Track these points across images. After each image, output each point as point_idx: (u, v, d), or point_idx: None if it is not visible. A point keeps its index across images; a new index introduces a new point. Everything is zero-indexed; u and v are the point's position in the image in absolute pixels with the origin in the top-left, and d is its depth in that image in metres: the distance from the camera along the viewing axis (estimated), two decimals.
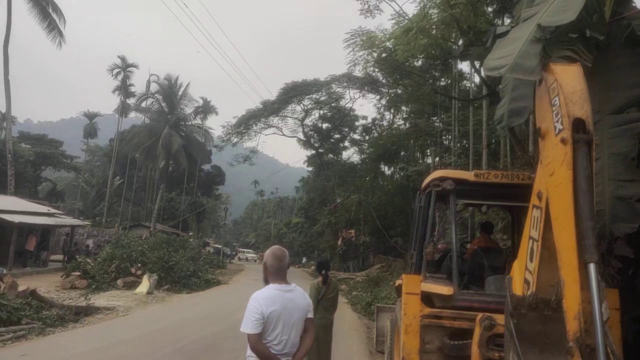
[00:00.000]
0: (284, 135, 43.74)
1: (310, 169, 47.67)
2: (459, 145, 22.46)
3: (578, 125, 2.72)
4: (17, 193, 28.51)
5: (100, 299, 13.61)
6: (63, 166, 53.14)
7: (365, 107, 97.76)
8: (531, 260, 3.29)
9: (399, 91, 26.22)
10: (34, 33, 36.09)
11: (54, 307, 10.68)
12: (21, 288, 11.20)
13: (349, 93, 38.73)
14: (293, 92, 39.08)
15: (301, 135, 43.56)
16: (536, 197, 3.28)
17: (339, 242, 33.30)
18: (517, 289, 3.42)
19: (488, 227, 5.99)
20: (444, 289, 4.52)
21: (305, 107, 41.01)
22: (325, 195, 39.79)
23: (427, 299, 4.59)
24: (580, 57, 4.55)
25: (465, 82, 23.20)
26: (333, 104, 40.31)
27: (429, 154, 29.85)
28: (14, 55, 28.50)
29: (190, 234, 39.77)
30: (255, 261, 55.40)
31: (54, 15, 29.78)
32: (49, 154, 48.26)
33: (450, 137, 24.40)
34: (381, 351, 8.42)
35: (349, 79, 35.69)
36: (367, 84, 34.41)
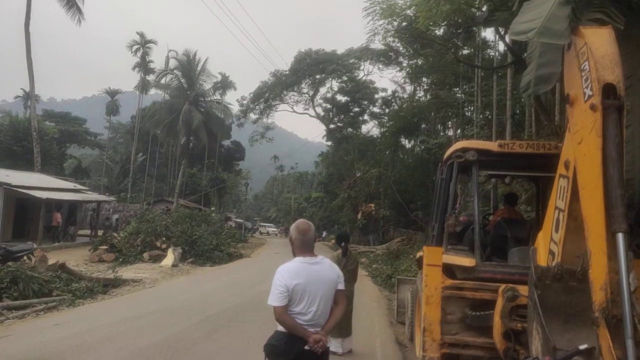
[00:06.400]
0: (294, 112, 44.13)
1: (329, 143, 47.59)
2: (481, 116, 21.95)
3: (608, 90, 2.62)
4: (44, 170, 29.26)
5: (127, 272, 14.03)
6: (87, 143, 54.32)
7: (385, 79, 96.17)
8: (557, 231, 3.23)
9: (420, 62, 25.63)
10: (54, 12, 36.44)
11: (83, 280, 11.05)
12: (51, 262, 11.62)
13: (363, 66, 38.56)
14: (305, 65, 38.89)
15: (312, 112, 43.63)
16: (563, 166, 3.20)
17: (359, 216, 33.38)
18: (542, 260, 3.38)
19: (512, 199, 5.89)
20: (466, 261, 4.49)
21: (316, 82, 40.91)
22: (345, 169, 39.76)
23: (449, 270, 4.58)
24: (611, 19, 4.34)
25: (489, 50, 22.53)
26: (347, 75, 39.94)
27: (450, 126, 29.32)
28: (36, 34, 28.81)
29: (212, 208, 40.42)
30: (277, 235, 56.15)
31: None
32: (73, 131, 49.27)
33: (472, 108, 23.85)
34: (402, 322, 8.51)
35: (365, 52, 35.39)
36: (383, 56, 34.06)
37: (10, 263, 10.62)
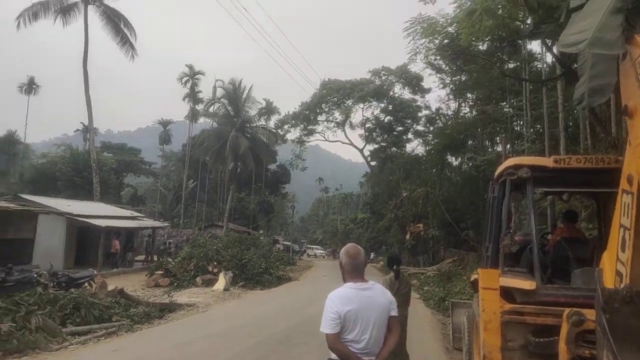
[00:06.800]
0: (326, 139, 45.25)
1: (373, 163, 47.56)
2: (532, 130, 21.22)
3: None
4: (103, 199, 30.90)
5: (181, 296, 14.39)
6: (142, 172, 57.09)
7: (429, 97, 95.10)
8: (623, 250, 3.04)
9: (463, 78, 25.26)
10: (108, 48, 39.00)
11: (141, 305, 11.40)
12: (110, 287, 12.11)
13: (392, 91, 39.41)
14: (331, 93, 40.10)
15: (344, 139, 44.26)
16: (626, 182, 3.03)
17: (407, 237, 32.75)
18: (608, 281, 3.18)
19: (571, 216, 5.59)
20: (526, 284, 4.28)
21: (344, 108, 41.72)
22: (390, 189, 39.39)
23: (507, 294, 4.38)
24: None
25: (536, 62, 21.90)
26: (378, 99, 40.44)
27: (498, 141, 28.53)
28: (93, 71, 30.94)
29: (260, 232, 41.00)
30: (324, 257, 56.05)
31: (126, 30, 31.91)
32: (129, 161, 51.95)
33: (522, 122, 23.14)
34: (458, 348, 8.18)
35: (400, 71, 36.35)
36: (414, 82, 35.20)
37: (72, 290, 11.21)
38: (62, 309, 9.15)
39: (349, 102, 41.54)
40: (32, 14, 29.52)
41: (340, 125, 43.64)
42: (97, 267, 18.73)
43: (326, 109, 42.58)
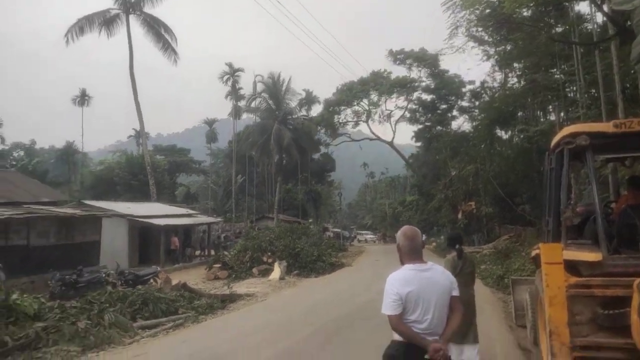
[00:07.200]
0: (352, 140, 45.29)
1: (418, 144, 46.74)
2: (586, 95, 20.06)
3: None
4: (159, 199, 32.31)
5: (240, 287, 14.88)
6: (193, 171, 59.11)
7: (473, 72, 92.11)
8: None
9: (509, 47, 24.17)
10: (153, 55, 40.43)
11: (203, 297, 11.93)
12: (174, 282, 12.70)
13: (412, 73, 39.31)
14: (348, 96, 40.13)
15: (370, 134, 44.14)
16: None
17: (459, 216, 32.07)
18: None
19: (637, 182, 5.27)
20: (591, 255, 4.12)
21: (372, 102, 41.51)
22: (438, 169, 38.64)
23: (572, 267, 4.23)
24: None
25: (586, 24, 20.61)
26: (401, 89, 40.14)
27: (551, 110, 27.19)
28: (139, 77, 32.19)
29: (310, 220, 41.47)
30: (375, 242, 55.97)
31: (167, 36, 32.93)
32: (180, 162, 53.90)
33: (574, 88, 21.91)
34: (522, 325, 7.99)
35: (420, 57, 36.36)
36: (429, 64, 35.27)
37: (139, 286, 11.87)
38: (131, 305, 9.71)
39: (373, 95, 41.55)
40: (79, 28, 30.99)
41: (364, 121, 43.77)
42: (159, 264, 19.64)
43: (345, 105, 42.80)
